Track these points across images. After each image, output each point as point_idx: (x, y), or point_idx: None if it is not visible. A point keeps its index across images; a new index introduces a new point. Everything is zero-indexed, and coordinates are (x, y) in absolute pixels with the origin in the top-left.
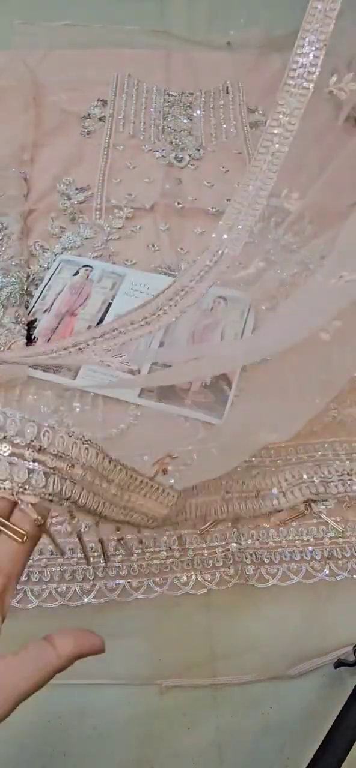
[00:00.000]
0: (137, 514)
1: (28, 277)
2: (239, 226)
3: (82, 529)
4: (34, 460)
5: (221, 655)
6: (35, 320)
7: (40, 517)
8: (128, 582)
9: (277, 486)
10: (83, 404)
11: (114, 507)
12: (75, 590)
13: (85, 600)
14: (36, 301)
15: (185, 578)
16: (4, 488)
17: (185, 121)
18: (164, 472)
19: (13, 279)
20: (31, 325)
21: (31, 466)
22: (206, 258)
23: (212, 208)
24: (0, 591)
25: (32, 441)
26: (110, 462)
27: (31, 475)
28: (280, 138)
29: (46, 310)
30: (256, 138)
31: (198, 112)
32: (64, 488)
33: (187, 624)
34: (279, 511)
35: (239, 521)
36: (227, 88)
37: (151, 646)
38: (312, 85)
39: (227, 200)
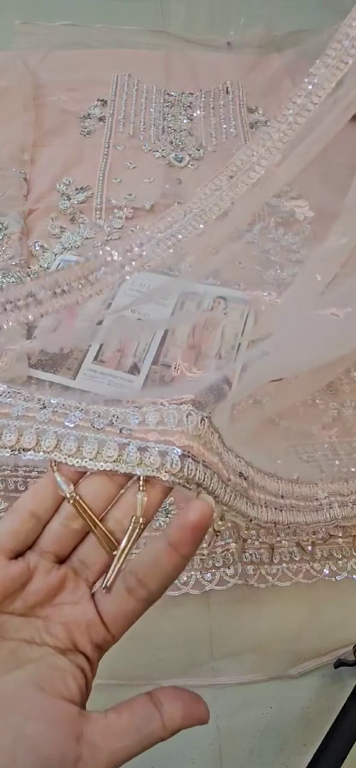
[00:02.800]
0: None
1: (28, 276)
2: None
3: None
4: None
5: (221, 655)
6: (35, 320)
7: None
8: None
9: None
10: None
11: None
12: None
13: None
14: None
15: (185, 578)
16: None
17: (185, 121)
18: None
19: (13, 279)
20: (31, 325)
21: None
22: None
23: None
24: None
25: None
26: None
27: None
28: (301, 108)
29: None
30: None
31: (198, 112)
32: (197, 472)
33: (187, 624)
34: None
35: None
36: (227, 88)
37: (151, 646)
38: (351, 60)
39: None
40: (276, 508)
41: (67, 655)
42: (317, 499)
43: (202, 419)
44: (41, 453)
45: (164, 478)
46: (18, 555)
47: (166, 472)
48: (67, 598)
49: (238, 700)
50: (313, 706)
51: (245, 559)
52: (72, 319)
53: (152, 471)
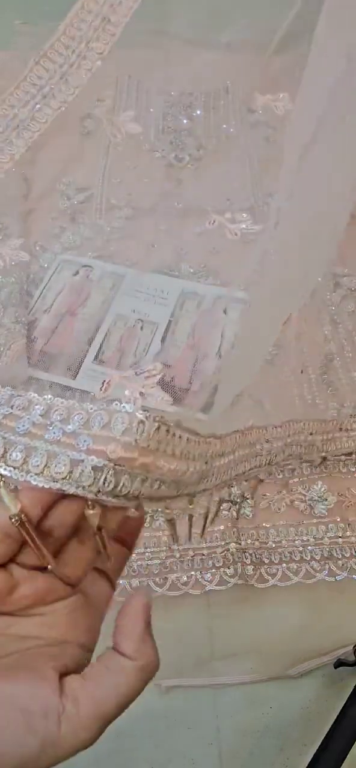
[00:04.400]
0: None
1: (28, 277)
2: None
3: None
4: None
5: (221, 655)
6: (35, 320)
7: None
8: (128, 582)
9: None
10: None
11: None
12: None
13: None
14: (36, 301)
15: (185, 578)
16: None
17: (185, 121)
18: None
19: (13, 279)
20: (31, 325)
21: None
22: None
23: (212, 208)
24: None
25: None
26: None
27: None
28: None
29: (46, 310)
30: (256, 138)
31: (198, 112)
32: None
33: (187, 624)
34: None
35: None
36: (227, 88)
37: None
38: None
39: (228, 200)
40: (223, 471)
41: (60, 645)
42: (260, 444)
43: (158, 427)
44: None
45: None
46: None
47: (103, 493)
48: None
49: (238, 700)
50: (313, 706)
51: (245, 559)
52: (72, 319)
53: (103, 495)
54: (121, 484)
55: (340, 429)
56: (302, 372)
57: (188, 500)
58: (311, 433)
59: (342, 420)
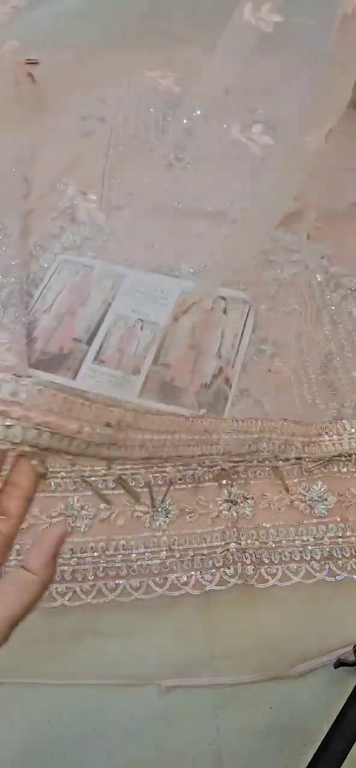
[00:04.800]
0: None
1: (28, 277)
2: None
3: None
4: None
5: (221, 655)
6: (35, 320)
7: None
8: (128, 582)
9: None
10: None
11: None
12: (75, 590)
13: (85, 600)
14: (36, 301)
15: (185, 578)
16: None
17: (185, 121)
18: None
19: (13, 279)
20: (31, 325)
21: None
22: None
23: (212, 208)
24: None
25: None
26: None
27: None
28: None
29: (46, 310)
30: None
31: (198, 112)
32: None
33: (187, 624)
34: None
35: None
36: (227, 88)
37: (151, 646)
38: None
39: (227, 200)
40: (153, 446)
41: None
42: (217, 434)
43: (39, 390)
44: None
45: None
46: None
47: None
48: None
49: (238, 700)
50: (313, 706)
51: (245, 559)
52: (72, 319)
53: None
54: None
55: (326, 433)
56: (270, 370)
57: (107, 465)
58: (286, 434)
59: (324, 425)
